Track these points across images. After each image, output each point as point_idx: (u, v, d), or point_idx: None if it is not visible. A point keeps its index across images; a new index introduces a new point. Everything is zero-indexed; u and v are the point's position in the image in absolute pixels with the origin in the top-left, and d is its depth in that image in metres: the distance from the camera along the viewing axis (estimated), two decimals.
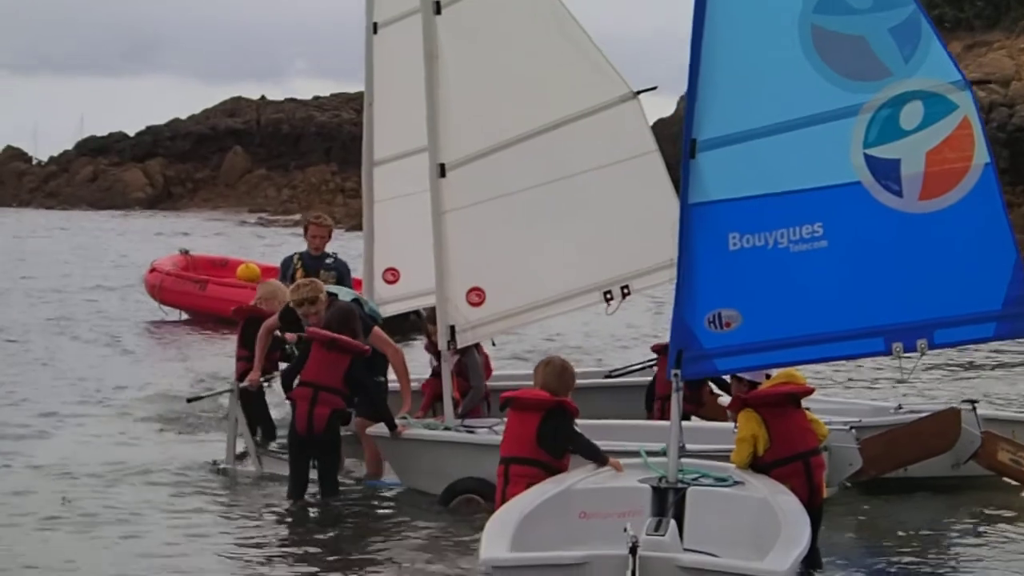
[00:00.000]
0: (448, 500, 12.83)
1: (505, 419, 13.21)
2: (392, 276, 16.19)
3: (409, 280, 16.03)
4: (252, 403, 14.81)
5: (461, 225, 13.50)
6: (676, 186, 10.96)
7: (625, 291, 13.50)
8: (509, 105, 13.47)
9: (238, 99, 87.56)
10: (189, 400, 15.51)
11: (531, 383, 11.22)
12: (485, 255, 13.53)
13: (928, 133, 9.91)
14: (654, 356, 15.76)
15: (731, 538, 9.55)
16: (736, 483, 10.39)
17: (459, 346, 13.57)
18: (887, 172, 9.92)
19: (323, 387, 12.90)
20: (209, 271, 28.03)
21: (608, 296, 13.45)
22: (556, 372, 11.14)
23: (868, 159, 9.95)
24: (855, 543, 12.13)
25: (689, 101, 10.11)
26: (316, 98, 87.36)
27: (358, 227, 24.43)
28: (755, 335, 10.03)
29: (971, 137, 9.91)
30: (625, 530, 8.60)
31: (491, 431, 13.17)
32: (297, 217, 65.72)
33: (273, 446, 14.97)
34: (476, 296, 13.51)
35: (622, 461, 10.83)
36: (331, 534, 12.18)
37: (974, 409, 13.86)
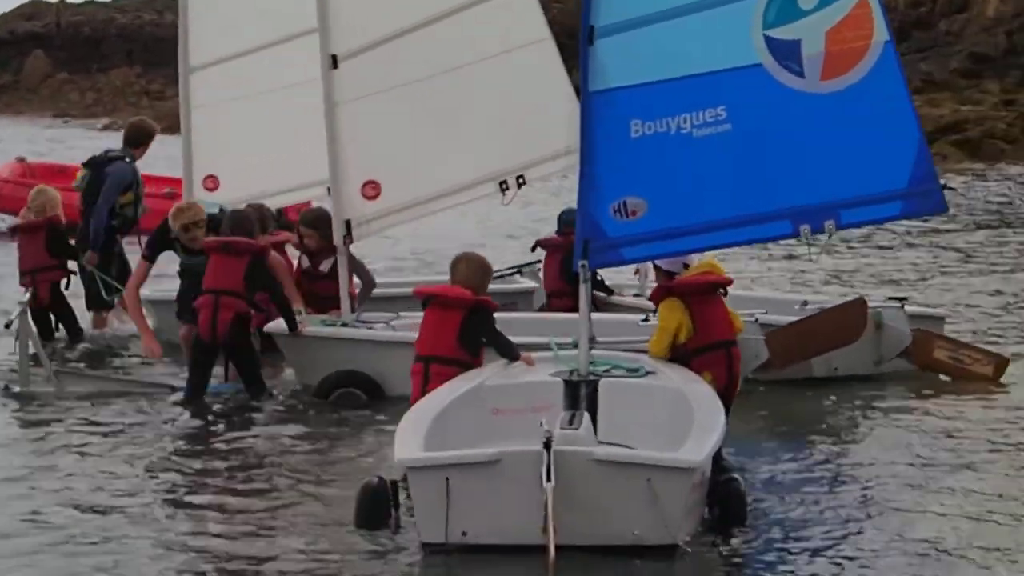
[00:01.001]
0: (327, 393, 12.82)
1: (400, 315, 13.23)
2: (212, 183, 15.89)
3: (228, 187, 15.79)
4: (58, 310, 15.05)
5: (354, 118, 13.26)
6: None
7: (520, 181, 13.36)
8: None
9: (36, 2, 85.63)
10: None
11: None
12: (380, 148, 13.32)
13: (827, 13, 9.81)
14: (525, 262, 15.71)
15: (646, 429, 9.51)
16: (648, 373, 10.34)
17: (355, 240, 13.42)
18: (788, 53, 9.83)
19: (223, 292, 12.73)
20: (48, 178, 27.36)
21: (504, 186, 13.31)
22: (475, 268, 10.99)
23: (768, 40, 9.85)
24: (758, 435, 12.08)
25: None
26: (116, 0, 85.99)
27: (168, 130, 24.22)
28: (662, 222, 9.94)
29: (870, 15, 9.82)
30: (541, 424, 8.51)
31: (388, 326, 13.18)
32: (105, 120, 64.75)
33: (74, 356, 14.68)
34: (371, 189, 13.32)
35: (533, 355, 10.77)
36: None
37: (902, 307, 13.85)
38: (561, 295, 14.39)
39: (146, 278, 14.09)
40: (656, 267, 11.32)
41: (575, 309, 10.99)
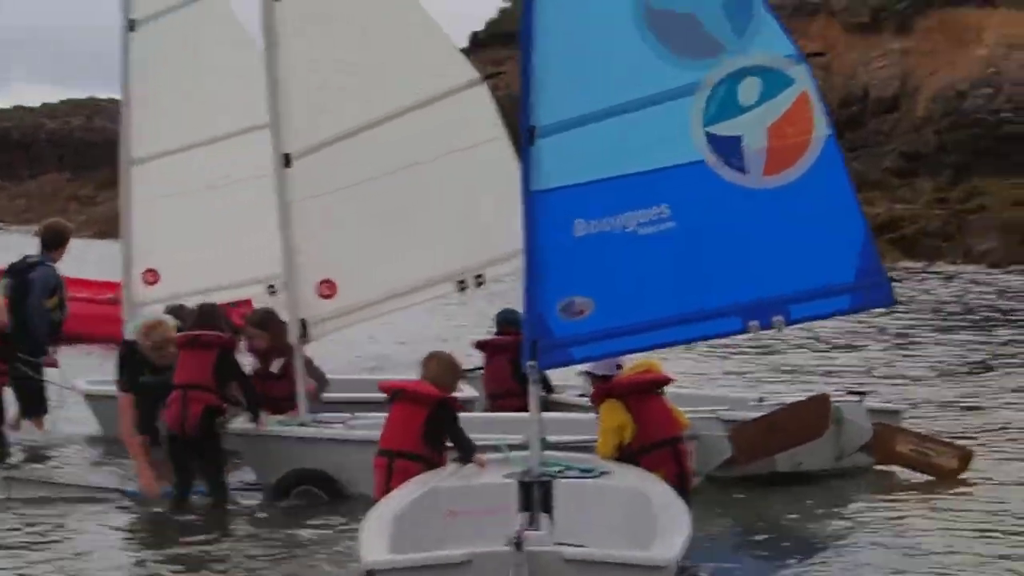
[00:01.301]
0: (287, 491, 12.78)
1: (355, 415, 13.16)
2: (152, 277, 16.06)
3: (169, 281, 15.88)
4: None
5: (308, 216, 13.31)
6: None
7: (479, 280, 13.37)
8: (353, 92, 13.31)
9: None
10: None
11: None
12: (335, 246, 13.37)
13: (767, 108, 9.80)
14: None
15: (603, 530, 9.45)
16: (603, 473, 10.30)
17: (312, 340, 13.40)
18: (729, 149, 9.82)
19: (192, 386, 12.70)
20: None
21: (462, 285, 13.28)
22: (446, 366, 11.10)
23: (709, 137, 9.84)
24: (723, 531, 12.01)
25: (524, 88, 9.95)
26: (45, 105, 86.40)
27: (101, 235, 23.81)
28: (610, 321, 9.89)
29: (810, 110, 9.81)
30: (514, 526, 8.58)
31: (345, 426, 13.14)
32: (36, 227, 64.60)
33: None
34: (327, 288, 13.38)
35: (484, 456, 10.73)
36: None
37: (861, 400, 13.78)
38: (507, 395, 14.30)
39: (133, 410, 13.58)
40: (588, 373, 11.30)
41: (523, 409, 10.96)
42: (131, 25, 16.00)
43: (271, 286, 15.55)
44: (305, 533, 11.99)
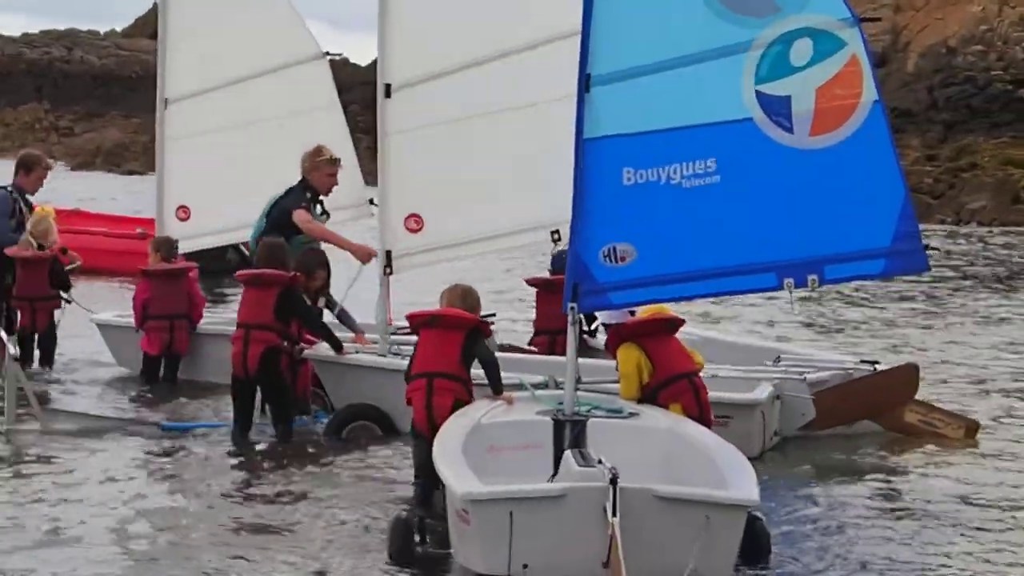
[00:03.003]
0: (340, 428, 12.83)
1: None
2: (184, 213, 16.30)
3: (199, 218, 16.18)
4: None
5: (404, 149, 13.12)
6: None
7: None
8: (460, 30, 13.06)
9: None
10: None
11: None
12: (427, 182, 13.13)
13: (817, 70, 9.98)
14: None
15: (640, 469, 9.67)
16: (631, 414, 10.56)
17: (394, 272, 13.25)
18: (778, 108, 10.00)
19: (254, 325, 12.63)
20: None
21: (555, 236, 13.11)
22: (461, 295, 11.25)
23: (759, 95, 10.02)
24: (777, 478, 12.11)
25: (584, 36, 10.12)
26: (25, 35, 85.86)
27: (82, 166, 23.86)
28: (649, 269, 10.12)
29: (860, 74, 10.00)
30: (600, 461, 8.86)
31: None
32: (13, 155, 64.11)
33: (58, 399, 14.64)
34: (415, 223, 13.17)
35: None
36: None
37: (875, 370, 13.95)
38: (557, 332, 13.94)
39: None
40: (604, 324, 11.50)
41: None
42: None
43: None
44: (362, 466, 12.06)
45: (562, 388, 10.54)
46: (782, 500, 11.29)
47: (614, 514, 8.40)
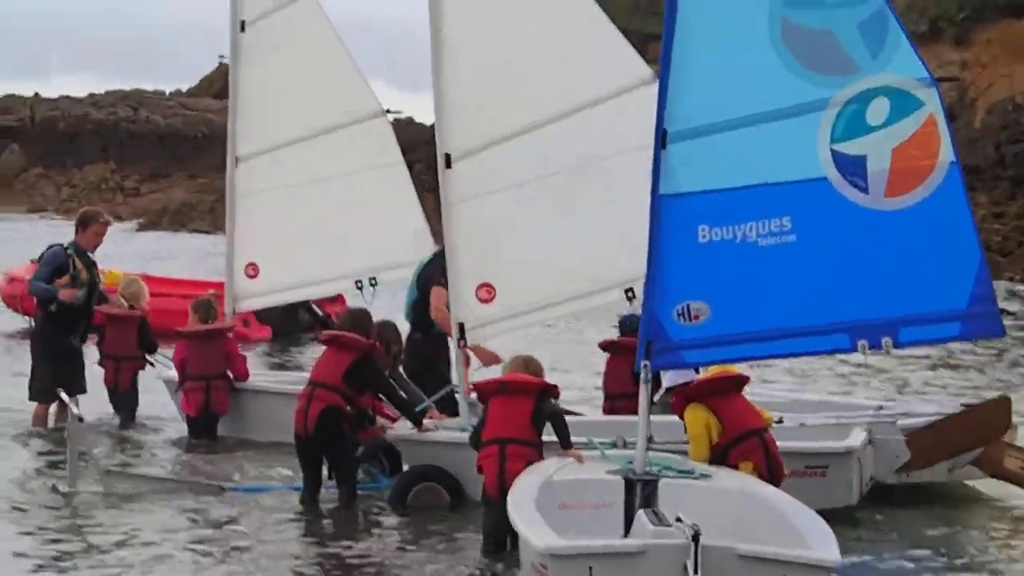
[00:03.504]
0: (405, 493, 12.61)
1: None
2: (252, 271, 16.40)
3: (268, 275, 16.28)
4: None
5: (469, 218, 12.92)
6: None
7: None
8: (520, 91, 12.85)
9: (10, 96, 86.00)
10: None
11: None
12: (495, 250, 12.94)
13: (894, 130, 9.98)
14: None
15: (714, 530, 9.62)
16: (703, 475, 10.51)
17: (468, 344, 13.05)
18: (853, 168, 9.99)
19: (320, 384, 12.56)
20: None
21: (630, 294, 12.77)
22: (524, 363, 11.41)
23: (835, 155, 10.02)
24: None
25: (661, 92, 10.15)
26: (91, 95, 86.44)
27: (148, 226, 24.04)
28: (723, 328, 10.10)
29: (936, 135, 10.01)
30: (679, 520, 8.85)
31: None
32: None
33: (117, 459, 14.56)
34: (486, 293, 12.95)
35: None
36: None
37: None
38: (624, 396, 13.68)
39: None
40: (668, 389, 11.50)
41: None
42: (241, 26, 16.36)
43: (358, 282, 15.89)
44: (426, 532, 11.91)
45: (630, 448, 10.49)
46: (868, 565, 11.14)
47: (695, 572, 8.38)
